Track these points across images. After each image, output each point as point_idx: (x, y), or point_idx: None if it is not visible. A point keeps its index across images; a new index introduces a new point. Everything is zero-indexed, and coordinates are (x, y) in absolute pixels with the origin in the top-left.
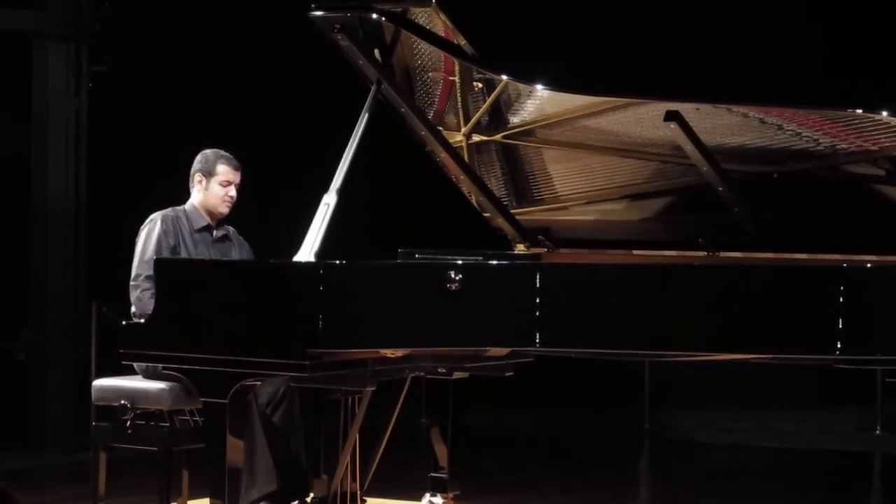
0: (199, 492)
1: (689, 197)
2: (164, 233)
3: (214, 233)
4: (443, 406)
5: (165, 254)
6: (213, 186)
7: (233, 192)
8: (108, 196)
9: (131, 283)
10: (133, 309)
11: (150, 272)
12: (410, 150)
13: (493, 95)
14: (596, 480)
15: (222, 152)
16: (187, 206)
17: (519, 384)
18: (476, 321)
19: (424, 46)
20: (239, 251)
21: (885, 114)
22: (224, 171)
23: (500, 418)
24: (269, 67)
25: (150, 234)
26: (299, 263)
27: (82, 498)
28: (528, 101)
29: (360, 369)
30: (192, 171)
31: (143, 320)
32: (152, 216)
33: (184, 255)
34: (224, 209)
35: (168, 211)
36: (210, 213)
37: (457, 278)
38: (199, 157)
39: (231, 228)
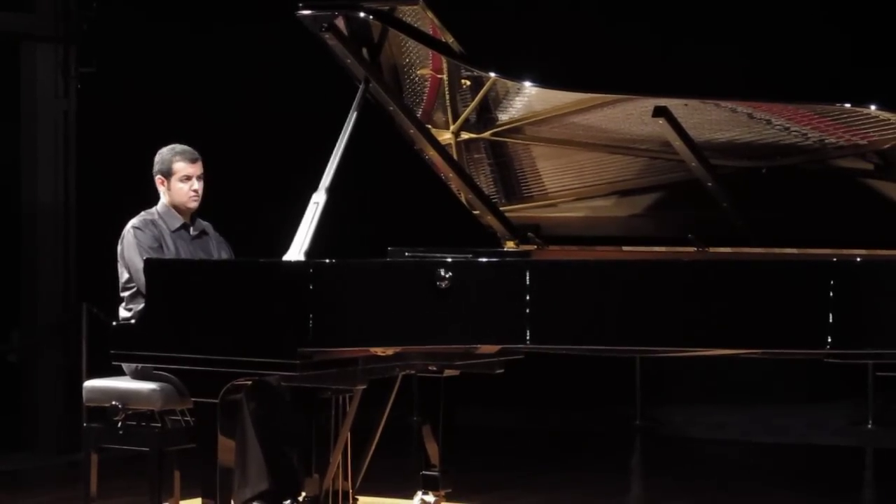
0: (190, 492)
1: (678, 193)
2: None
3: (191, 230)
4: (434, 404)
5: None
6: (174, 185)
7: (196, 185)
8: (98, 197)
9: (125, 294)
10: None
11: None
12: (399, 148)
13: (481, 93)
14: (588, 477)
15: (177, 147)
16: (159, 207)
17: (510, 381)
18: (466, 319)
19: (412, 45)
20: (218, 247)
21: (873, 108)
22: (181, 167)
23: (491, 416)
24: (257, 68)
25: (131, 246)
26: (289, 263)
27: (74, 499)
28: (517, 99)
29: (350, 368)
30: (153, 174)
31: (133, 321)
32: (128, 228)
33: (168, 256)
34: (192, 204)
35: (142, 218)
36: (180, 211)
37: (447, 276)
38: (156, 158)
39: (207, 224)
